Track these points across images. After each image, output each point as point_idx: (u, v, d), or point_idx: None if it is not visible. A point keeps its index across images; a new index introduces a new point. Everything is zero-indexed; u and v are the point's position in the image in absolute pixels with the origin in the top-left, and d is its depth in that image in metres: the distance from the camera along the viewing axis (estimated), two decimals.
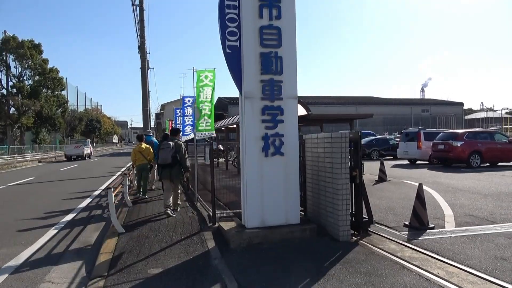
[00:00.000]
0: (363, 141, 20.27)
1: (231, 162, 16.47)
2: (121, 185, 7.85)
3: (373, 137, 24.89)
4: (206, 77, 8.13)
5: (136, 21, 18.61)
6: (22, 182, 15.45)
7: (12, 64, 37.25)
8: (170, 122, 25.19)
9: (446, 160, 16.14)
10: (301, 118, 9.26)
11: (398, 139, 23.36)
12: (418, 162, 18.46)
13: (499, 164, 15.94)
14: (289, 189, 5.44)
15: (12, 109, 36.37)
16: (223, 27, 5.30)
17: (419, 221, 5.86)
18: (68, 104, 50.96)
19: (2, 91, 36.59)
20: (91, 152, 38.36)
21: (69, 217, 7.81)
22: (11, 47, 35.48)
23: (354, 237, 5.28)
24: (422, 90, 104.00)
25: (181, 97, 13.61)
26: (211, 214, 6.33)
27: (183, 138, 10.81)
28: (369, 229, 5.57)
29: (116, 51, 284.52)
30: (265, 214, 5.35)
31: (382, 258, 4.43)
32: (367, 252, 4.66)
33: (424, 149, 17.52)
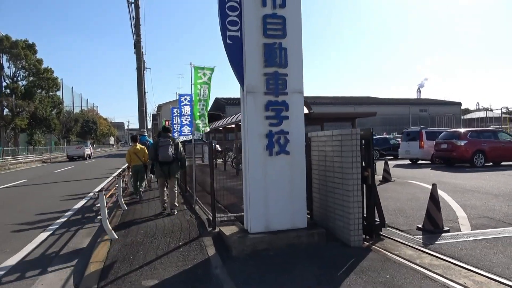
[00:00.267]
0: None
1: (229, 163, 16.06)
2: (115, 187, 7.42)
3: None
4: (204, 74, 7.73)
5: (132, 19, 18.20)
6: (14, 184, 14.96)
7: (6, 65, 36.72)
8: (167, 122, 24.82)
9: (449, 159, 15.81)
10: None
11: (398, 139, 23.06)
12: (420, 161, 18.14)
13: (503, 163, 15.63)
14: (295, 190, 5.04)
15: (6, 110, 35.77)
16: (223, 16, 4.89)
17: (433, 224, 5.49)
18: (64, 105, 50.43)
19: None
20: (91, 152, 40.05)
21: (60, 221, 7.38)
22: (4, 47, 34.91)
23: (365, 242, 4.89)
24: (419, 91, 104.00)
25: (177, 97, 13.22)
26: (210, 217, 5.92)
27: (181, 138, 10.43)
28: (380, 233, 5.19)
29: (112, 52, 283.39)
30: (270, 218, 4.95)
31: (400, 266, 4.04)
32: (383, 259, 4.27)
33: (426, 149, 17.18)
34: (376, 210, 5.16)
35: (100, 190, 5.34)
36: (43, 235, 6.28)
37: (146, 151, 9.07)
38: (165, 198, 7.48)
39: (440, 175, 12.50)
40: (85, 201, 9.89)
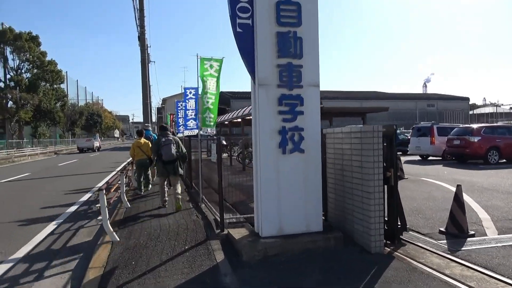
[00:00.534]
0: None
1: (235, 157, 15.73)
2: (117, 184, 7.08)
3: None
4: (211, 66, 7.30)
5: (136, 10, 17.77)
6: (16, 178, 14.70)
7: (10, 57, 36.48)
8: (172, 116, 24.46)
9: (462, 156, 15.34)
10: None
11: (406, 134, 22.54)
12: (430, 158, 17.67)
13: None
14: (310, 191, 4.66)
15: (10, 102, 35.58)
16: (232, 2, 4.49)
17: (457, 228, 5.10)
18: (68, 98, 50.24)
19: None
20: (99, 145, 42.66)
21: (60, 219, 7.06)
22: (8, 39, 34.62)
23: (386, 248, 4.51)
24: (425, 86, 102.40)
25: (183, 90, 12.84)
26: (218, 218, 5.57)
27: (186, 133, 10.11)
28: (401, 237, 4.81)
29: (117, 46, 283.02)
30: (283, 221, 4.58)
31: (429, 277, 3.66)
32: (408, 268, 3.90)
33: (438, 145, 16.70)
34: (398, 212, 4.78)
35: (100, 189, 4.98)
36: (41, 236, 5.93)
37: (150, 145, 8.80)
38: (165, 196, 7.47)
39: (453, 172, 12.08)
40: (89, 196, 9.58)
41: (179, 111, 15.21)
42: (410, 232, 5.21)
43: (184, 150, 7.54)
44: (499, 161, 14.56)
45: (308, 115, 4.65)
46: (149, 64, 20.43)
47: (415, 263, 4.04)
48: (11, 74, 36.61)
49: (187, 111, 10.60)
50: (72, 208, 8.03)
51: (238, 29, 4.51)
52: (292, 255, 4.32)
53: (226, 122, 19.47)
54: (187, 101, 10.68)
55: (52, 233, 6.11)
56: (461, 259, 4.14)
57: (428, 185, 9.43)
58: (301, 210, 4.63)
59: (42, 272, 4.37)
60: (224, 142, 17.58)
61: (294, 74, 4.59)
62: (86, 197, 9.52)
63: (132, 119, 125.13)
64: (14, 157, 27.70)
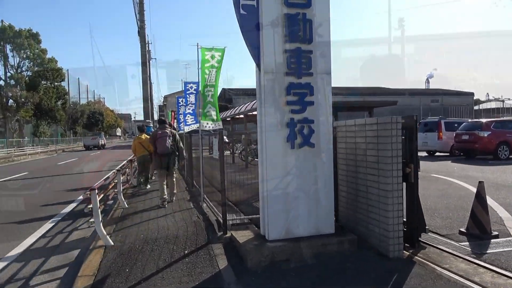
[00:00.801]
0: None
1: (237, 155, 15.34)
2: (113, 183, 6.69)
3: None
4: (212, 57, 6.92)
5: (135, 4, 17.34)
6: (12, 178, 14.33)
7: (10, 54, 36.13)
8: (173, 113, 24.03)
9: (471, 151, 14.90)
10: None
11: None
12: (438, 153, 17.22)
13: None
14: (321, 190, 4.25)
15: (11, 101, 35.27)
16: None
17: (479, 228, 4.69)
18: (69, 96, 50.00)
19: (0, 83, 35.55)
20: (104, 143, 44.56)
21: (54, 220, 6.67)
22: (7, 37, 34.27)
23: (405, 251, 4.11)
24: (427, 81, 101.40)
25: (183, 85, 12.43)
26: (220, 219, 5.17)
27: (186, 129, 9.72)
28: (420, 239, 4.40)
29: (119, 43, 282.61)
30: (291, 222, 4.18)
31: (457, 285, 3.26)
32: (432, 275, 3.49)
33: (445, 140, 16.25)
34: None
35: (92, 188, 4.59)
36: (31, 238, 5.54)
37: None
38: (165, 193, 7.25)
39: (464, 168, 11.64)
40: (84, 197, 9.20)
41: (180, 107, 14.81)
42: (429, 233, 4.81)
43: (181, 144, 7.55)
44: (510, 157, 14.12)
45: (319, 106, 4.25)
46: (150, 61, 20.06)
47: (439, 269, 3.63)
48: (11, 72, 36.29)
49: (187, 106, 10.21)
50: (67, 210, 7.63)
51: (241, 11, 4.11)
52: (302, 260, 3.93)
53: (228, 119, 19.03)
54: (187, 96, 10.28)
55: (44, 235, 5.72)
56: (490, 264, 3.73)
57: (440, 182, 8.99)
58: (311, 211, 4.22)
59: (28, 280, 3.98)
60: (226, 139, 17.22)
61: (304, 60, 4.18)
62: (82, 197, 9.12)
63: (134, 117, 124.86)
64: (14, 156, 27.36)
